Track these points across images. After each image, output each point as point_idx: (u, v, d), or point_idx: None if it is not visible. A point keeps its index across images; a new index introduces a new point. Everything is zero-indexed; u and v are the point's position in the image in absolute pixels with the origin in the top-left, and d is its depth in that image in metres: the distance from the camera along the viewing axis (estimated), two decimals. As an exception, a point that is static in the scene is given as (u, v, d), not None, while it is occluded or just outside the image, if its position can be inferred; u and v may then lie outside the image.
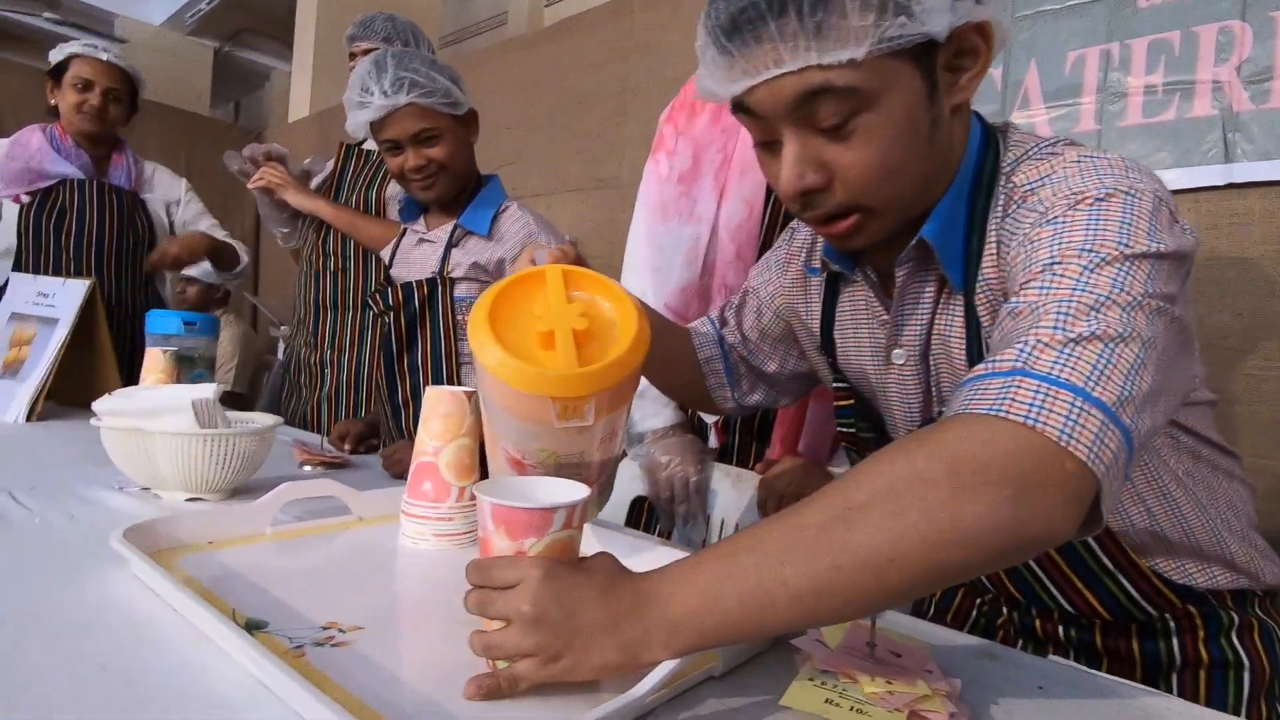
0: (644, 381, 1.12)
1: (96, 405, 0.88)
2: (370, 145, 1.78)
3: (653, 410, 1.15)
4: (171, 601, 0.53)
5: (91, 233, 1.73)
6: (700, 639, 0.44)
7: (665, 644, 0.44)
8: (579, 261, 0.61)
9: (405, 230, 1.43)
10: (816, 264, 0.73)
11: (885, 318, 0.65)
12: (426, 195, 1.30)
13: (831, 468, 1.01)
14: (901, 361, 0.64)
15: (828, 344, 0.73)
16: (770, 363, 0.84)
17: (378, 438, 1.38)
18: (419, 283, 1.30)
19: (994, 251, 0.55)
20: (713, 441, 1.13)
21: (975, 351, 0.58)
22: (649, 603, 0.45)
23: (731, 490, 1.08)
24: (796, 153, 0.55)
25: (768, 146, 0.58)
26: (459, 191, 1.32)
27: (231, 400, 2.88)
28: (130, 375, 1.39)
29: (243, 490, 0.98)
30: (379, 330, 1.52)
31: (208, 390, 0.91)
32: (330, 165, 1.79)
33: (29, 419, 1.39)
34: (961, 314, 0.59)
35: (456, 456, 0.79)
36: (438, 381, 1.30)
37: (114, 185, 1.76)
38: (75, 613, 0.56)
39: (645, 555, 0.76)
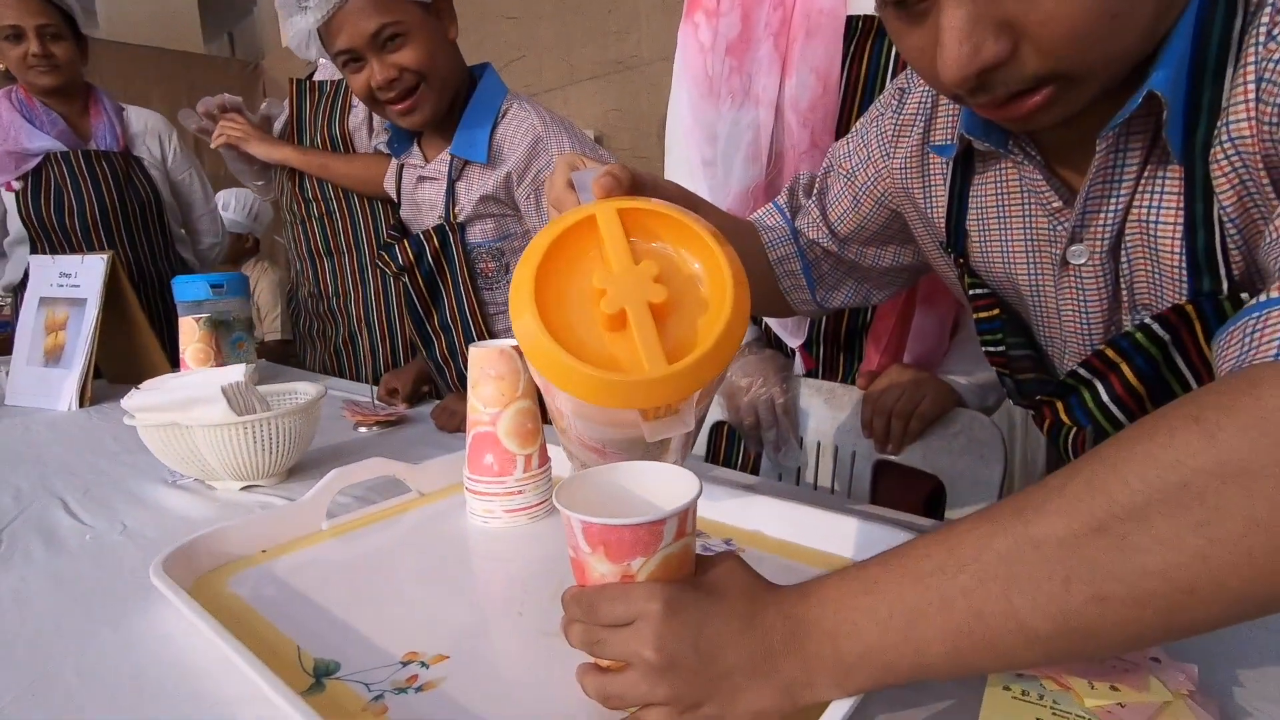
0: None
1: (125, 403, 0.81)
2: (321, 75, 1.59)
3: (724, 327, 1.02)
4: (227, 653, 0.45)
5: (93, 207, 1.63)
6: (884, 678, 0.34)
7: (837, 683, 0.35)
8: (635, 188, 0.46)
9: (402, 166, 1.23)
10: (944, 138, 0.56)
11: (1056, 205, 0.49)
12: (411, 120, 1.07)
13: (947, 376, 0.87)
14: (1082, 260, 0.49)
15: (957, 240, 0.58)
16: (866, 258, 0.70)
17: (429, 383, 1.29)
18: (426, 234, 1.14)
19: (1249, 94, 0.38)
20: (799, 367, 1.00)
21: (1199, 242, 0.43)
22: (810, 634, 0.35)
23: (825, 409, 0.96)
24: (969, 15, 0.38)
25: (908, 13, 0.41)
26: (450, 104, 1.10)
27: (282, 348, 2.87)
28: (171, 344, 1.32)
29: (300, 468, 0.91)
30: (399, 291, 1.40)
31: (238, 372, 0.82)
32: (285, 103, 1.62)
33: (81, 405, 1.35)
34: (1178, 191, 0.43)
35: (517, 422, 0.68)
36: (469, 337, 1.19)
37: (101, 151, 1.63)
38: (128, 657, 0.49)
39: (749, 506, 0.66)
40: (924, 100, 0.58)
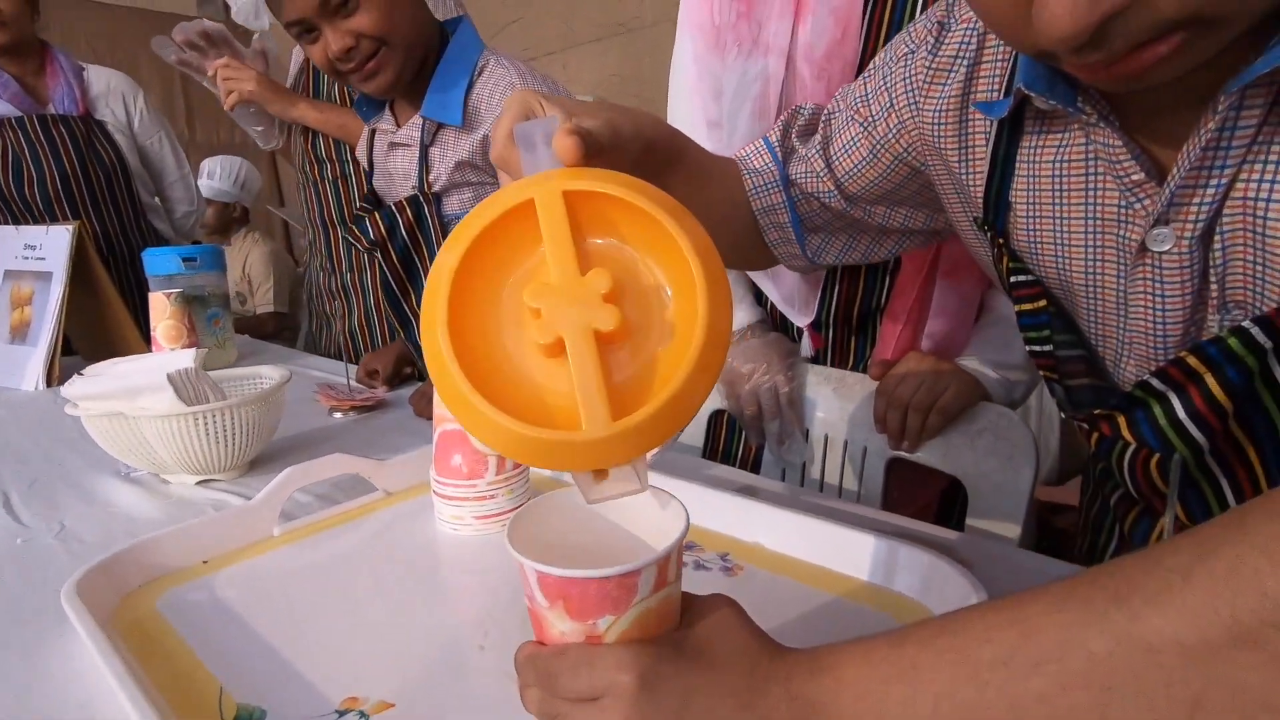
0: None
1: (66, 390, 0.74)
2: None
3: (725, 308, 0.94)
4: (124, 697, 0.38)
5: (53, 177, 1.53)
6: None
7: None
8: (605, 148, 0.37)
9: (374, 131, 1.14)
10: (989, 92, 0.47)
11: (1137, 179, 0.40)
12: (374, 85, 0.98)
13: (971, 365, 0.79)
14: (1166, 246, 0.40)
15: (998, 215, 0.49)
16: (875, 216, 0.60)
17: (413, 365, 1.21)
18: (399, 205, 1.05)
19: None
20: (806, 349, 0.91)
21: None
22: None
23: (834, 399, 0.88)
24: None
25: None
26: (420, 64, 1.00)
27: (274, 321, 2.80)
28: (145, 320, 1.24)
29: (263, 460, 0.84)
30: (374, 267, 1.29)
31: (187, 359, 0.75)
32: (297, 53, 1.49)
33: (49, 384, 1.28)
34: None
35: (493, 418, 0.61)
36: None
37: (60, 116, 1.54)
38: (31, 701, 0.42)
39: (748, 514, 0.59)
40: (967, 41, 0.48)
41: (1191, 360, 0.41)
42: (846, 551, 0.54)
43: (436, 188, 1.05)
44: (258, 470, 0.82)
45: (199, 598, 0.52)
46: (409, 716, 0.40)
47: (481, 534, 0.61)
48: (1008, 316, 0.82)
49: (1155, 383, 0.43)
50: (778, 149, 0.61)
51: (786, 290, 0.88)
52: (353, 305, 1.51)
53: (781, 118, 0.63)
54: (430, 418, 0.98)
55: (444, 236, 1.06)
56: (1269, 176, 0.36)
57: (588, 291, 0.29)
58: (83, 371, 0.77)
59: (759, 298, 0.97)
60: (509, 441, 0.29)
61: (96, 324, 1.43)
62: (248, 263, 2.82)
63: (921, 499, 0.88)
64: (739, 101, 0.84)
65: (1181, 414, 0.43)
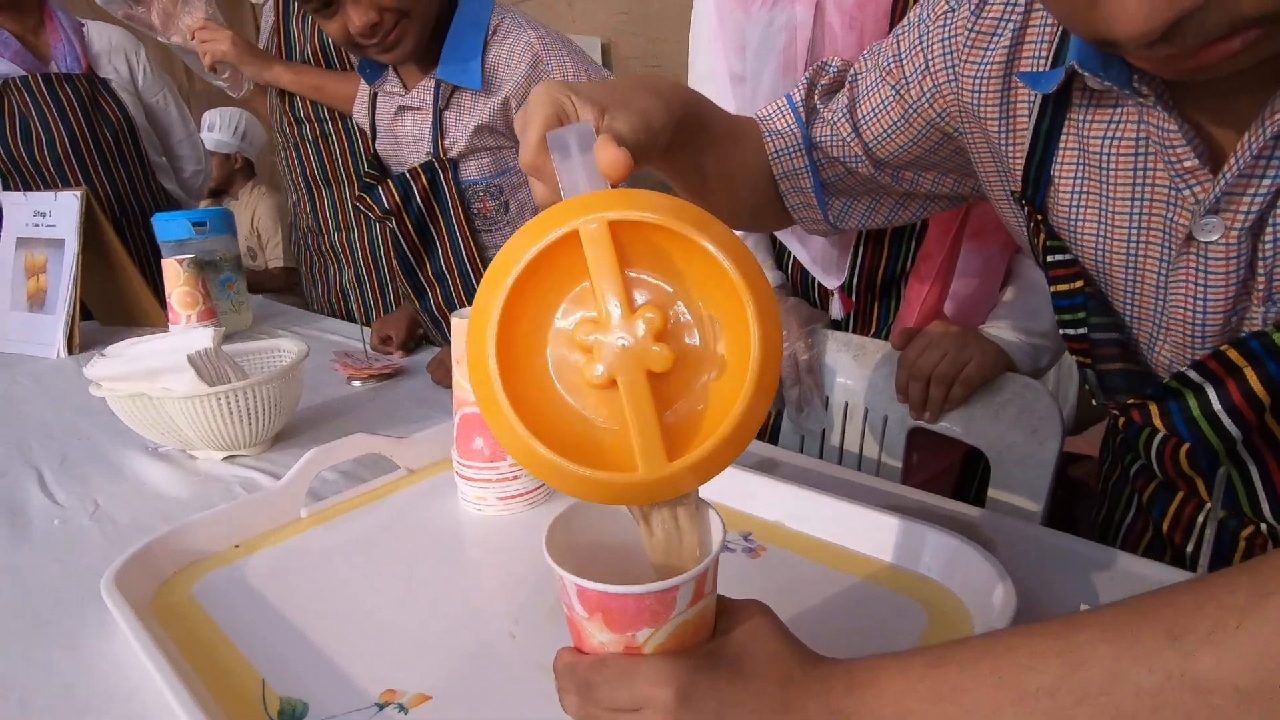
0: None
1: (89, 371, 0.74)
2: None
3: (743, 273, 0.92)
4: (171, 696, 0.39)
5: (61, 138, 1.50)
6: None
7: None
8: (644, 150, 0.36)
9: (376, 94, 1.10)
10: (1035, 62, 0.45)
11: (1190, 165, 0.38)
12: (394, 56, 0.96)
13: (997, 331, 0.77)
14: (1214, 236, 0.39)
15: (1038, 191, 0.47)
16: (902, 182, 0.58)
17: (419, 329, 1.21)
18: (414, 172, 1.02)
19: None
20: (836, 311, 0.90)
21: None
22: None
23: (853, 365, 0.88)
24: None
25: None
26: (434, 27, 0.97)
27: (285, 276, 2.79)
28: (161, 284, 1.24)
29: (287, 432, 0.85)
30: (385, 235, 1.28)
31: (206, 338, 0.75)
32: (268, 7, 1.43)
33: (70, 351, 1.29)
34: None
35: (514, 399, 0.61)
36: (468, 286, 1.09)
37: (64, 74, 1.50)
38: (77, 693, 0.44)
39: (769, 492, 0.59)
40: (1013, 5, 0.46)
41: (1232, 354, 0.40)
42: (869, 532, 0.55)
43: (453, 153, 1.02)
44: (282, 443, 0.83)
45: (233, 584, 0.54)
46: (446, 708, 0.41)
47: (505, 514, 0.62)
48: (1036, 283, 0.80)
49: (1193, 375, 0.42)
50: (801, 109, 0.59)
51: (816, 252, 0.87)
52: (342, 265, 1.51)
53: (806, 73, 0.61)
54: (449, 386, 0.98)
55: (465, 206, 1.04)
56: None
57: (640, 330, 0.29)
58: (104, 351, 0.77)
59: (779, 260, 0.95)
60: (566, 481, 0.30)
61: (111, 289, 1.43)
62: (256, 216, 2.79)
63: (942, 463, 0.88)
64: (764, 55, 0.80)
65: (1217, 406, 0.42)
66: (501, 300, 0.29)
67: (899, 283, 0.86)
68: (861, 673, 0.29)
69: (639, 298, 0.31)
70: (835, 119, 0.57)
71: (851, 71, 0.57)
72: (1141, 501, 0.62)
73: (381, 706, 0.41)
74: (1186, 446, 0.47)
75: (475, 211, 1.05)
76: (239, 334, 1.37)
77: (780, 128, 0.59)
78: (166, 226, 1.34)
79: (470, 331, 0.30)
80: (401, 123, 1.06)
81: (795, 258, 0.92)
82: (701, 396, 0.31)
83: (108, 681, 0.45)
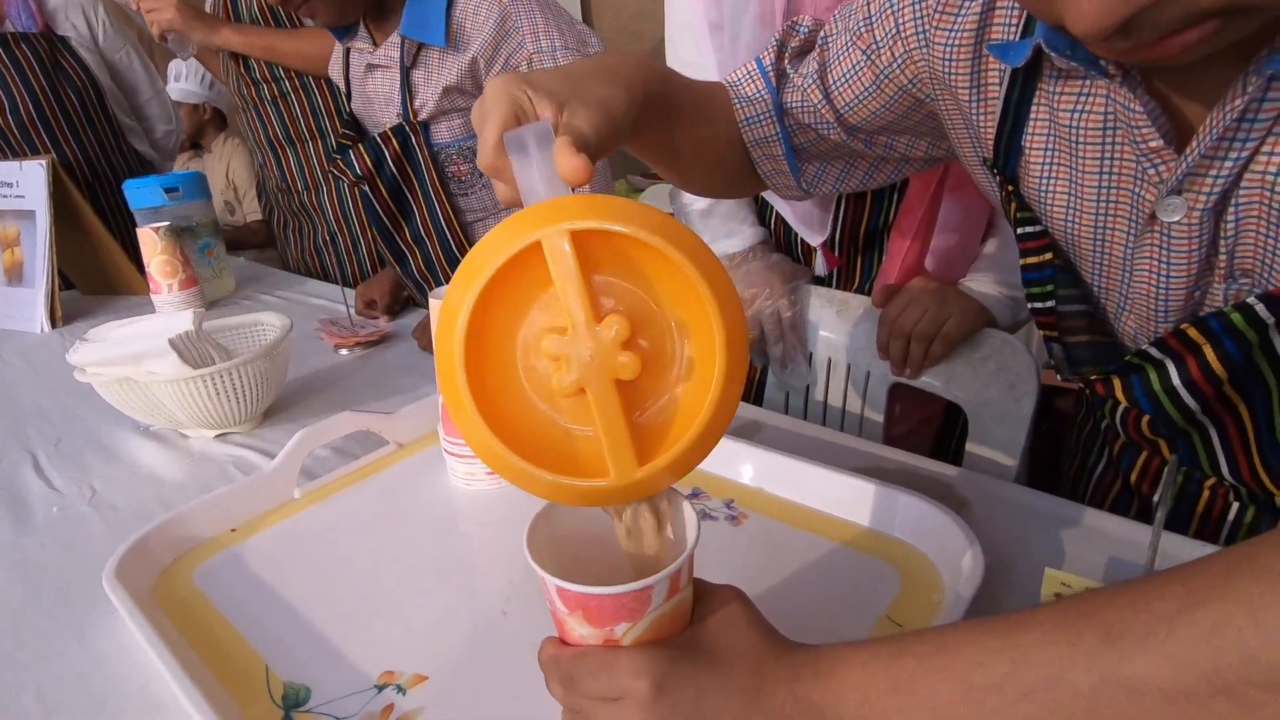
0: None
1: (71, 357, 0.74)
2: None
3: (725, 229, 0.92)
4: (179, 696, 0.41)
5: (25, 102, 1.45)
6: None
7: None
8: (607, 141, 0.36)
9: (348, 50, 1.06)
10: (1006, 31, 0.44)
11: (1155, 145, 0.38)
12: (312, 11, 0.93)
13: (978, 285, 0.77)
14: (1176, 217, 0.39)
15: (1009, 161, 0.47)
16: (876, 146, 0.57)
17: (402, 290, 1.20)
18: (384, 136, 0.99)
19: None
20: (820, 267, 0.90)
21: None
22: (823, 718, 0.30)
23: (836, 320, 0.88)
24: None
25: None
26: None
27: (267, 230, 2.74)
28: (137, 250, 1.22)
29: (276, 407, 0.86)
30: (355, 193, 1.25)
31: (186, 320, 0.74)
32: None
33: (53, 325, 1.29)
34: None
35: (498, 377, 0.61)
36: (447, 252, 1.08)
37: (20, 33, 1.43)
38: (91, 682, 0.46)
39: (751, 459, 0.60)
40: None
41: (1192, 332, 0.41)
42: (848, 497, 0.56)
43: (423, 115, 0.99)
44: (273, 418, 0.84)
45: (232, 568, 0.55)
46: (442, 688, 0.43)
47: (494, 488, 0.64)
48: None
49: (1154, 351, 0.43)
50: (771, 73, 0.57)
51: (799, 209, 0.86)
52: (315, 224, 1.49)
53: (776, 34, 0.59)
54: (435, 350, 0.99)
55: (434, 167, 1.02)
56: None
57: (606, 339, 0.29)
58: (86, 336, 0.77)
59: (762, 215, 0.95)
60: (538, 486, 0.31)
61: (89, 258, 1.41)
62: (231, 169, 2.72)
63: (923, 414, 0.90)
64: (742, 3, 0.78)
65: (1176, 381, 0.43)
66: (468, 311, 0.29)
67: (882, 236, 0.86)
68: (827, 662, 0.31)
69: (605, 303, 0.31)
70: (806, 85, 0.55)
71: (822, 33, 0.55)
72: (1112, 454, 0.64)
73: (381, 688, 0.43)
74: (1147, 417, 0.48)
75: (449, 175, 1.03)
76: (222, 301, 1.36)
77: (750, 93, 0.57)
78: (138, 194, 1.31)
79: (438, 341, 0.31)
80: (372, 81, 1.03)
81: (778, 213, 0.91)
82: (670, 399, 0.32)
83: (121, 672, 0.47)
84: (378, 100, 1.03)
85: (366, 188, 1.03)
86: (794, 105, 0.57)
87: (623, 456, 0.30)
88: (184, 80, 2.61)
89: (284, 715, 0.42)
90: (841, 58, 0.54)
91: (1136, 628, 0.24)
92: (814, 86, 0.55)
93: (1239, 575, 0.23)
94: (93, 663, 0.48)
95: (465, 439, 0.31)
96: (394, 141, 0.99)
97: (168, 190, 1.31)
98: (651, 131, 0.47)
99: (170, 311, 1.21)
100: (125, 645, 0.49)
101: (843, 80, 0.54)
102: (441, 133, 1.00)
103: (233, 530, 0.60)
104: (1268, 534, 0.24)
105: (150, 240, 1.19)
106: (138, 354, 0.72)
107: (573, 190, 0.33)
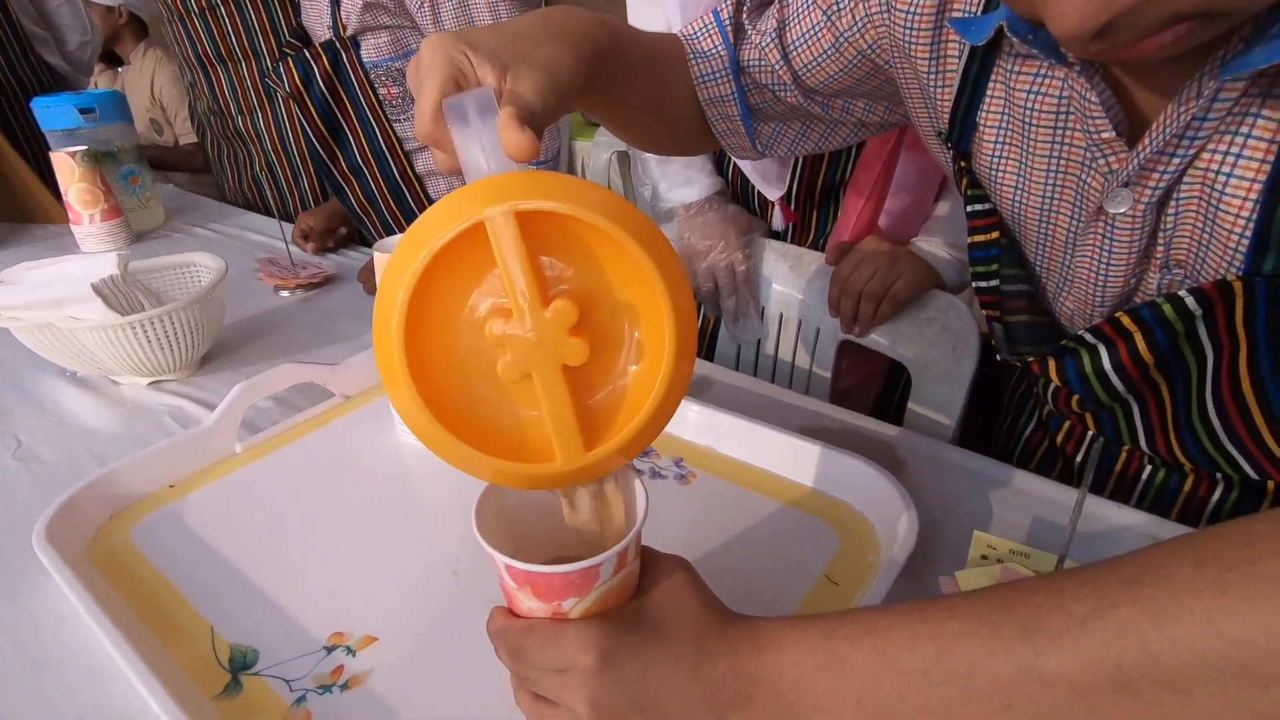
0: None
1: (-17, 299, 0.69)
2: None
3: (681, 177, 0.90)
4: (121, 664, 0.41)
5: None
6: None
7: None
8: (549, 112, 0.34)
9: None
10: (967, 8, 0.43)
11: (1107, 137, 0.38)
12: None
13: (929, 246, 0.78)
14: (1122, 209, 0.39)
15: (963, 136, 0.47)
16: (833, 110, 0.57)
17: (347, 225, 1.15)
18: (314, 52, 0.93)
19: None
20: (777, 221, 0.89)
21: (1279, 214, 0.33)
22: (761, 694, 0.31)
23: (790, 275, 0.89)
24: None
25: None
26: None
27: (201, 153, 2.58)
28: (49, 173, 1.14)
29: (214, 353, 0.83)
30: (293, 118, 1.17)
31: (110, 264, 0.70)
32: None
33: (-40, 253, 1.20)
34: (1267, 147, 0.33)
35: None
36: (390, 183, 1.03)
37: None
38: (24, 647, 0.45)
39: (700, 418, 0.61)
40: None
41: (1125, 320, 0.43)
42: (793, 458, 0.58)
43: (350, 31, 0.93)
44: (210, 364, 0.81)
45: (171, 526, 0.54)
46: (393, 649, 0.44)
47: (445, 445, 0.63)
48: (967, 197, 0.81)
49: (1088, 337, 0.45)
50: (729, 28, 0.55)
51: (759, 164, 0.85)
52: (252, 153, 1.41)
53: None
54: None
55: (371, 91, 0.96)
56: (1234, 151, 0.35)
57: (553, 324, 0.29)
58: (-3, 276, 0.72)
59: (720, 164, 0.93)
60: (484, 472, 0.30)
61: (1, 182, 1.30)
62: (155, 85, 2.52)
63: (868, 370, 0.92)
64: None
65: (1107, 365, 0.45)
66: (407, 292, 0.28)
67: (838, 191, 0.86)
68: (766, 636, 0.32)
69: (553, 287, 0.30)
70: (764, 43, 0.54)
71: None
72: (1041, 416, 0.67)
73: (330, 650, 0.44)
74: (1077, 395, 0.51)
75: (383, 98, 0.98)
76: (150, 233, 1.29)
77: (705, 49, 0.55)
78: (49, 114, 1.21)
79: (376, 323, 0.30)
80: None
81: (736, 163, 0.90)
82: (619, 382, 0.31)
83: (56, 635, 0.46)
84: (312, 10, 0.97)
85: (297, 107, 0.97)
86: (751, 64, 0.55)
87: (570, 441, 0.30)
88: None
89: (231, 678, 0.42)
90: (801, 16, 0.52)
91: (1051, 626, 0.26)
92: (772, 45, 0.53)
93: (1146, 583, 0.25)
94: (26, 626, 0.47)
95: (405, 423, 0.30)
96: (324, 58, 0.93)
97: (83, 111, 1.22)
98: (600, 91, 0.45)
99: (93, 245, 1.15)
100: (60, 608, 0.47)
101: (801, 41, 0.52)
102: (368, 51, 0.94)
103: (171, 486, 0.58)
104: (1170, 542, 0.26)
105: (66, 166, 1.11)
106: (58, 299, 0.68)
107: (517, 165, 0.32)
